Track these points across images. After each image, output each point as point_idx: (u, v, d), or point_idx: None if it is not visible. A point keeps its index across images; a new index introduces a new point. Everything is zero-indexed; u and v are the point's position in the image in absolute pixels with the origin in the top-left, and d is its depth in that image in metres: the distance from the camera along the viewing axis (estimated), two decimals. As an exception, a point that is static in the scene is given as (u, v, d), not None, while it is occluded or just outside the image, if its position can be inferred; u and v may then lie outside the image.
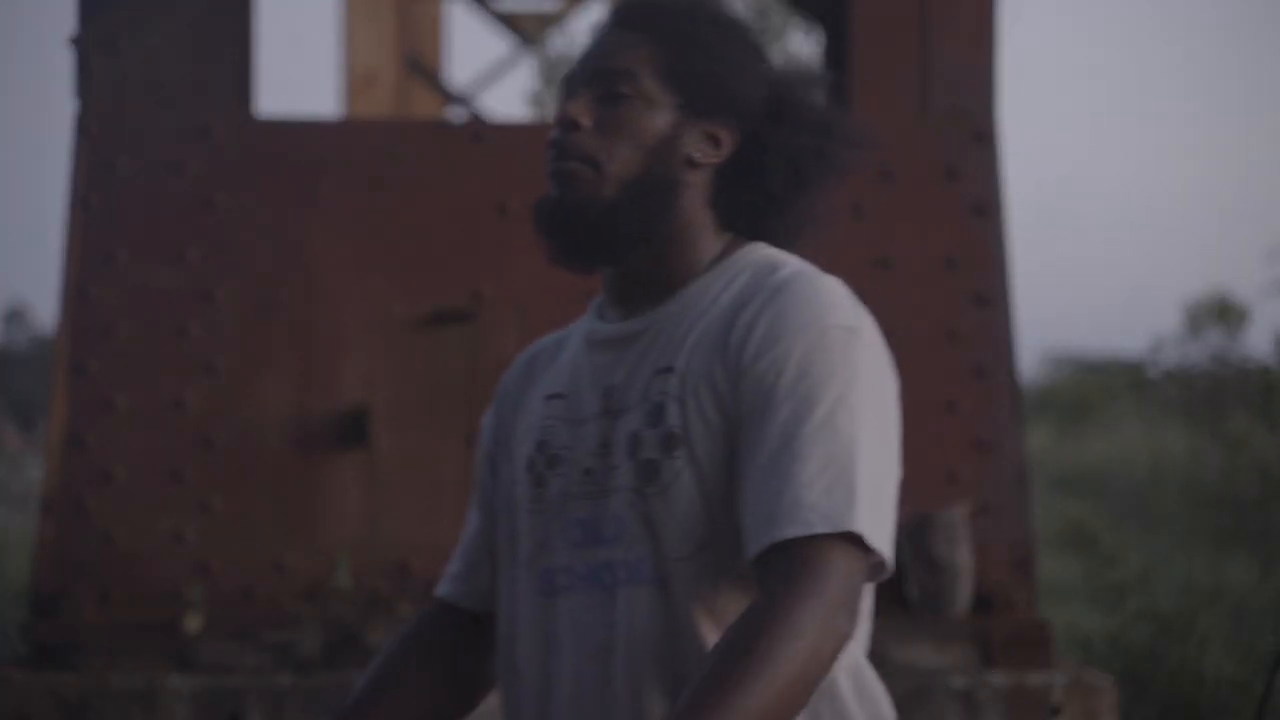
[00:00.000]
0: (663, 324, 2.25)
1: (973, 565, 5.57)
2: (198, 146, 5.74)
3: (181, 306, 5.69)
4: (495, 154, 5.77)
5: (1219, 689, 7.29)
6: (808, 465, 2.08)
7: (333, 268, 5.74)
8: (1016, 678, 5.43)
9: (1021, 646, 5.53)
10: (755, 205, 2.29)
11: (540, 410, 2.33)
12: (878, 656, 5.46)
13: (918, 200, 5.76)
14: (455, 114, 12.27)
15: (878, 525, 2.09)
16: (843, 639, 2.06)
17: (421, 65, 12.06)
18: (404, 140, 5.87)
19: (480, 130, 6.00)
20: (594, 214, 2.25)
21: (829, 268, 2.25)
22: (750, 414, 2.13)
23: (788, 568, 2.06)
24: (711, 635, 2.12)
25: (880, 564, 2.12)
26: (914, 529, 5.53)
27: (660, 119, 2.26)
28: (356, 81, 11.09)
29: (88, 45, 5.74)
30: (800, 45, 15.09)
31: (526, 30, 12.93)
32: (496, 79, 13.42)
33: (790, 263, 2.25)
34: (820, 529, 2.06)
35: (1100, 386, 20.83)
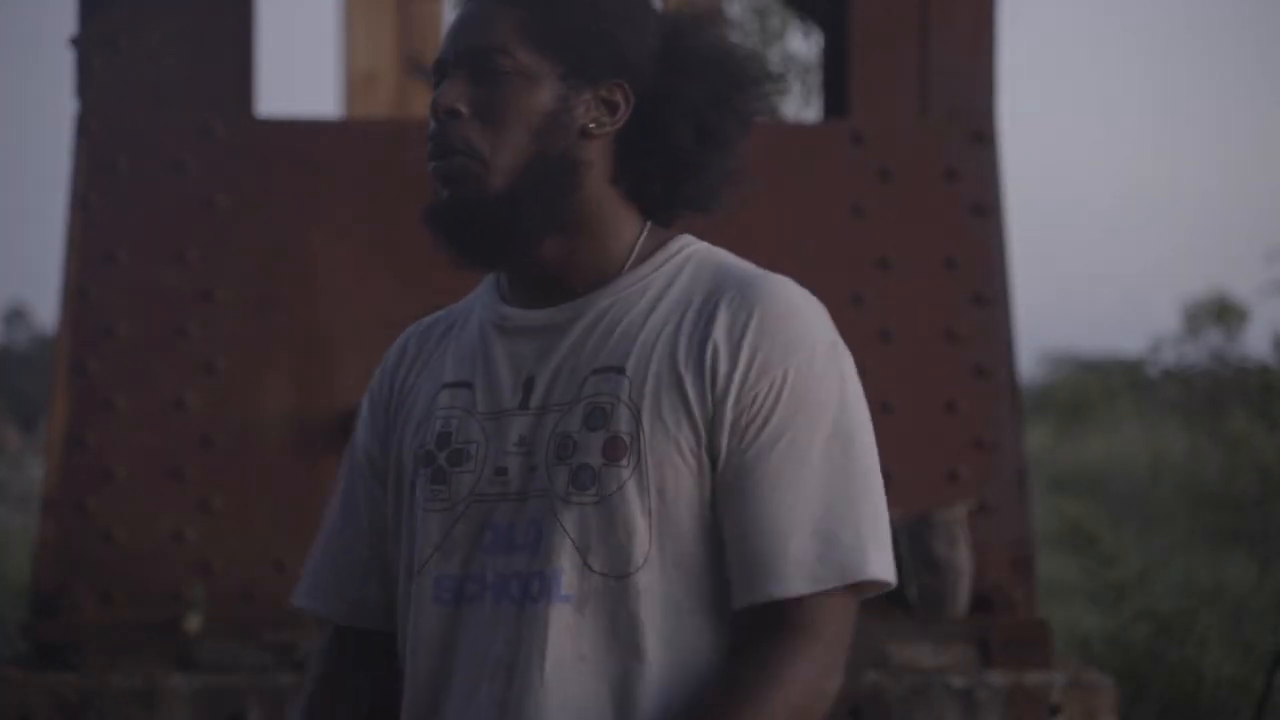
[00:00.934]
0: (594, 317, 2.03)
1: (972, 565, 5.58)
2: (198, 146, 5.74)
3: (181, 306, 5.69)
4: (495, 154, 5.77)
5: (1218, 689, 7.29)
6: (811, 505, 1.95)
7: (333, 268, 5.74)
8: (1016, 678, 5.43)
9: (1021, 646, 5.53)
10: (665, 168, 2.05)
11: (437, 399, 2.08)
12: (878, 656, 5.47)
13: (917, 200, 5.76)
14: (455, 114, 12.26)
15: (883, 556, 1.96)
16: (830, 700, 1.94)
17: (421, 65, 12.05)
18: (404, 140, 5.87)
19: (480, 130, 6.00)
20: (488, 211, 2.03)
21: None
22: (743, 441, 1.96)
23: (782, 625, 1.93)
24: (632, 666, 1.94)
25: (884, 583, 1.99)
26: (914, 529, 5.54)
27: (544, 92, 2.02)
28: (356, 81, 11.09)
29: (88, 45, 5.74)
30: (800, 45, 15.10)
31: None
32: (496, 79, 13.39)
33: (740, 263, 2.06)
34: (825, 585, 1.93)
35: (1100, 386, 20.83)
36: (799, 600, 1.93)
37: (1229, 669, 7.40)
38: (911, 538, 5.54)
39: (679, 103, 2.04)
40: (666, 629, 1.95)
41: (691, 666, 1.96)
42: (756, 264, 2.11)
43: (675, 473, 1.96)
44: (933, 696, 5.42)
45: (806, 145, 5.88)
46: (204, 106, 5.75)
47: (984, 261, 5.77)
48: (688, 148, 2.05)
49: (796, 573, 1.93)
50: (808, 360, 1.99)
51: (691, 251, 2.07)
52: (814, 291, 2.10)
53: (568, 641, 1.94)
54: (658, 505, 1.95)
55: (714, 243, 2.13)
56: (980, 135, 5.82)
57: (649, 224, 2.08)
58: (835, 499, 1.95)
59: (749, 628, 1.94)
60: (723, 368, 1.97)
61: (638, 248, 2.06)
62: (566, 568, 1.95)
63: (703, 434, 1.97)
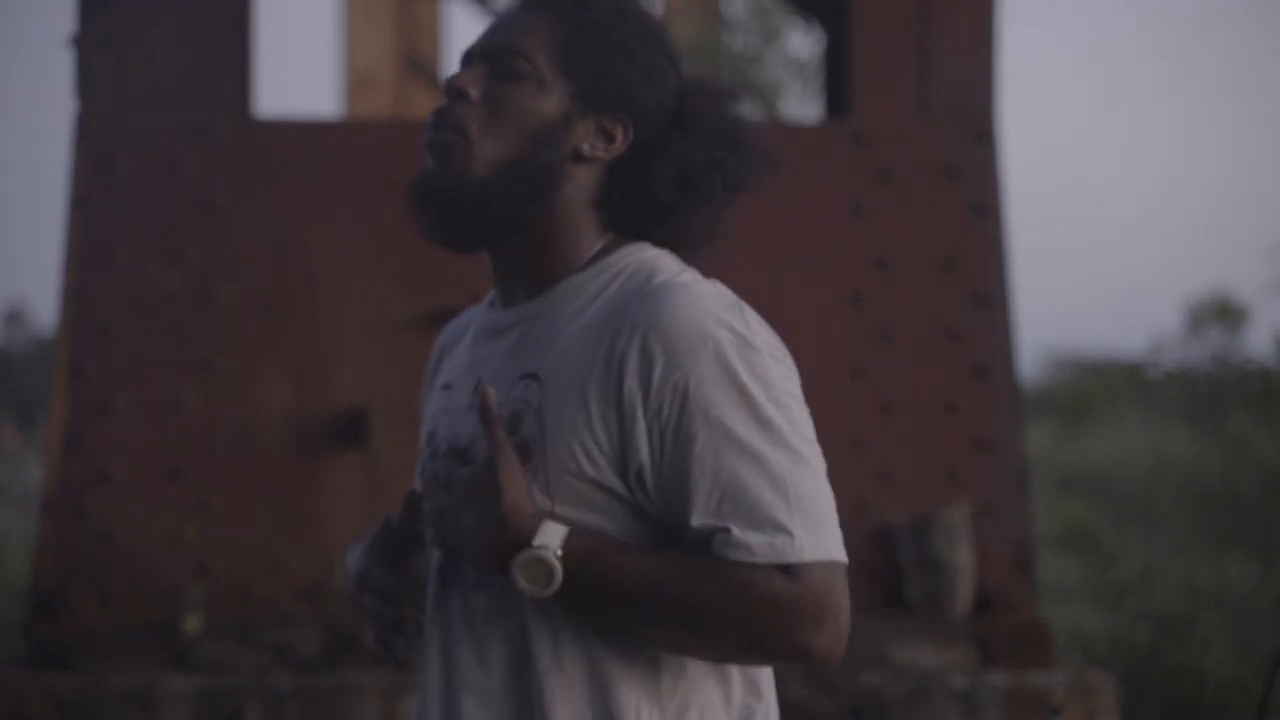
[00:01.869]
0: (531, 321, 2.17)
1: (973, 565, 5.57)
2: (198, 146, 5.73)
3: (181, 306, 5.68)
4: (495, 154, 5.77)
5: (1219, 689, 7.29)
6: (742, 497, 2.02)
7: (332, 268, 5.74)
8: (1017, 678, 5.43)
9: (1022, 646, 5.53)
10: (642, 209, 2.17)
11: (436, 400, 2.31)
12: (878, 656, 5.46)
13: (918, 200, 5.76)
14: (455, 114, 12.26)
15: (813, 534, 2.02)
16: (754, 653, 2.05)
17: (421, 65, 12.06)
18: (404, 140, 5.86)
19: (480, 130, 5.99)
20: (462, 192, 2.16)
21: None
22: (662, 446, 2.05)
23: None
24: (542, 645, 2.07)
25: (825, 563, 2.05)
26: (915, 529, 5.53)
27: (550, 104, 2.16)
28: (356, 81, 11.09)
29: (88, 45, 5.73)
30: (800, 45, 15.09)
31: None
32: (496, 79, 13.39)
33: (666, 269, 2.14)
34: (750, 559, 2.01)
35: (1101, 386, 20.81)
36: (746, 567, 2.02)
37: (1230, 669, 7.40)
38: (913, 538, 5.53)
39: (671, 156, 2.16)
40: (559, 631, 2.07)
41: (583, 672, 2.08)
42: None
43: (577, 480, 2.06)
44: (934, 697, 5.41)
45: (806, 145, 5.87)
46: (204, 106, 5.74)
47: (984, 261, 5.77)
48: (666, 197, 2.16)
49: (731, 552, 2.02)
50: (712, 358, 2.04)
51: (631, 260, 2.16)
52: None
53: (496, 627, 2.11)
54: (560, 510, 2.06)
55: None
56: (980, 135, 5.81)
57: (607, 239, 2.18)
58: (757, 489, 2.02)
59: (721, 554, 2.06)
60: (628, 381, 2.05)
61: (590, 256, 2.17)
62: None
63: (613, 443, 2.06)
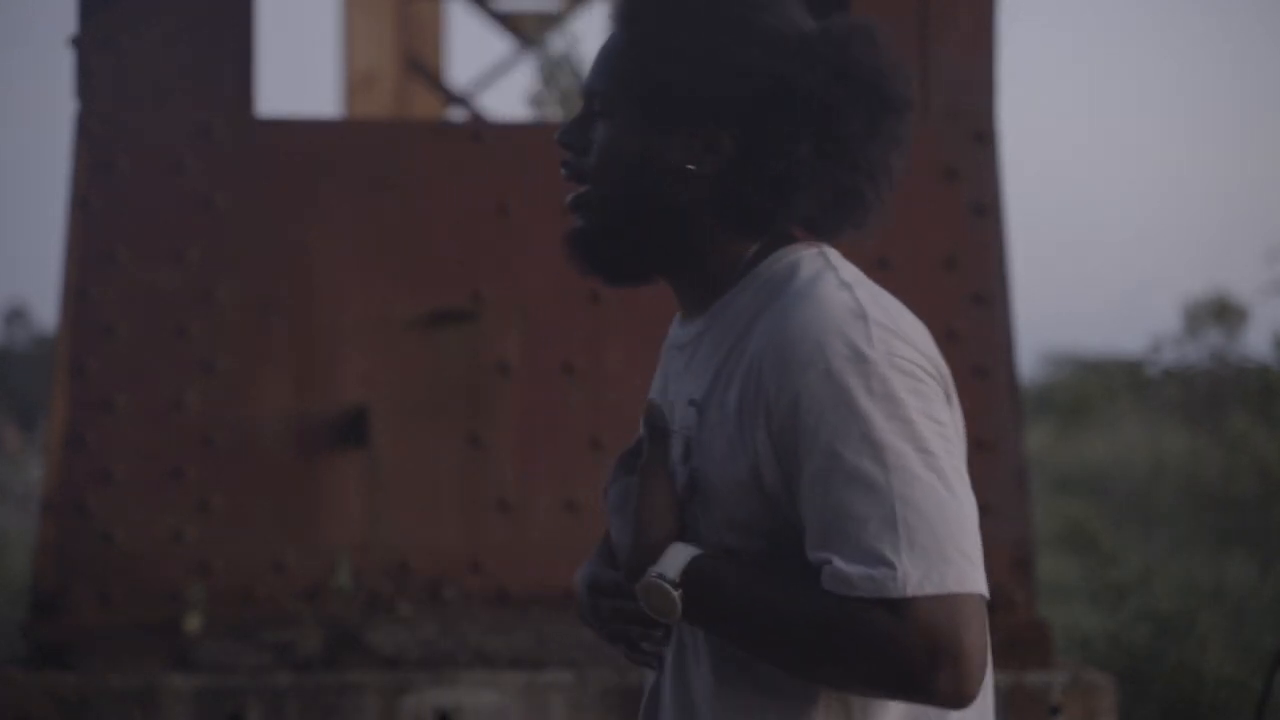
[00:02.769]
0: (699, 341, 2.13)
1: (972, 565, 5.57)
2: (198, 146, 5.74)
3: (181, 306, 5.69)
4: (495, 154, 5.77)
5: (1219, 688, 7.29)
6: (847, 526, 1.93)
7: (333, 268, 5.74)
8: (1016, 678, 5.43)
9: (1021, 646, 5.53)
10: (777, 193, 2.07)
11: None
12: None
13: (917, 200, 5.76)
14: (455, 114, 12.27)
15: (925, 565, 1.94)
16: (867, 688, 1.98)
17: (421, 65, 12.05)
18: (404, 140, 5.87)
19: (480, 130, 6.00)
20: (603, 241, 2.12)
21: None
22: (785, 466, 1.99)
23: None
24: (703, 667, 2.06)
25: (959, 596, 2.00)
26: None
27: (631, 134, 2.09)
28: (356, 82, 11.09)
29: (88, 45, 5.73)
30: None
31: (526, 30, 12.91)
32: (496, 79, 13.41)
33: (803, 275, 2.07)
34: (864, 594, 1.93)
35: (1100, 386, 20.82)
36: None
37: (1229, 669, 7.40)
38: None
39: (776, 144, 2.05)
40: (726, 654, 2.04)
41: (746, 686, 2.05)
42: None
43: (734, 503, 2.02)
44: (933, 697, 5.42)
45: (806, 145, 5.87)
46: (204, 106, 5.75)
47: (984, 261, 5.77)
48: (795, 176, 2.06)
49: (835, 585, 1.95)
50: (822, 377, 1.96)
51: (778, 268, 2.10)
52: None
53: (676, 647, 2.10)
54: (725, 535, 2.02)
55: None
56: (980, 135, 5.82)
57: (757, 245, 2.12)
58: (862, 517, 1.94)
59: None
60: (757, 400, 2.00)
61: (742, 267, 2.12)
62: None
63: (751, 461, 2.01)
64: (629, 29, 2.10)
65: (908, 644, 1.94)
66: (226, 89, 5.76)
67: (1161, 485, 14.50)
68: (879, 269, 5.63)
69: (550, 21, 13.12)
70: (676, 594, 2.00)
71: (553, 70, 14.25)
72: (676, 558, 2.01)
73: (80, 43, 5.74)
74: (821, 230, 2.14)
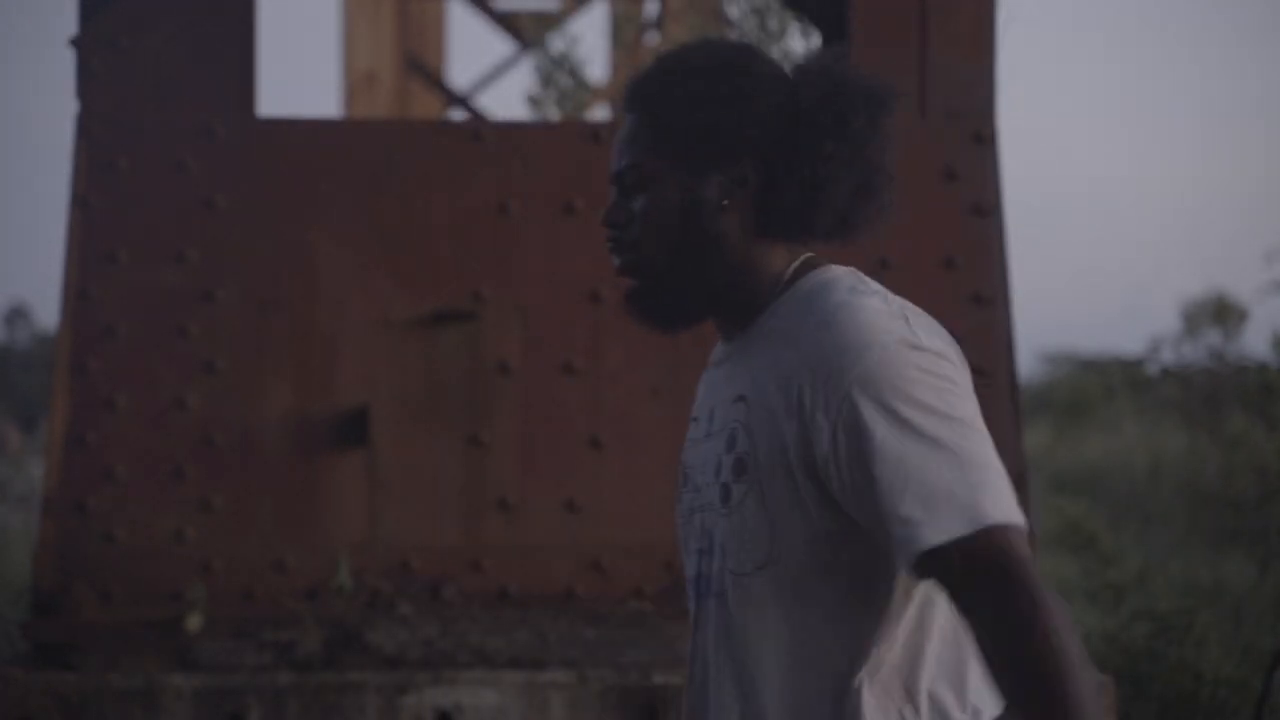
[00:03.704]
0: (742, 351, 2.40)
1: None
2: (198, 146, 5.74)
3: (182, 306, 5.69)
4: (495, 154, 5.78)
5: (1218, 688, 7.30)
6: (914, 484, 2.22)
7: (333, 268, 5.74)
8: (1015, 677, 5.43)
9: (1020, 646, 5.53)
10: (808, 195, 2.38)
11: (689, 430, 2.55)
12: (877, 656, 5.47)
13: (917, 201, 5.77)
14: (455, 114, 12.27)
15: (992, 504, 2.22)
16: (1056, 621, 2.18)
17: (422, 65, 12.05)
18: (404, 140, 5.87)
19: (480, 130, 6.00)
20: (662, 293, 2.41)
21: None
22: (842, 460, 2.23)
23: (953, 577, 2.19)
24: (756, 646, 2.30)
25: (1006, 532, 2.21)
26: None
27: (673, 192, 2.38)
28: (357, 82, 11.10)
29: (88, 45, 5.74)
30: (799, 46, 15.08)
31: (526, 31, 12.92)
32: (496, 79, 13.42)
33: (839, 287, 2.37)
34: (953, 534, 2.19)
35: (1099, 386, 20.83)
36: (966, 541, 2.19)
37: (1228, 669, 7.41)
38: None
39: (800, 163, 2.37)
40: (780, 617, 2.29)
41: (807, 660, 2.29)
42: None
43: (782, 487, 2.28)
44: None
45: (806, 145, 5.87)
46: (204, 106, 5.75)
47: (984, 261, 5.78)
48: (823, 188, 2.38)
49: (917, 535, 2.20)
50: (864, 373, 2.24)
51: (813, 284, 2.39)
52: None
53: (719, 631, 2.35)
54: (775, 515, 2.29)
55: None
56: (980, 135, 5.83)
57: (797, 260, 2.43)
58: (939, 471, 2.23)
59: (955, 600, 2.22)
60: (805, 400, 2.26)
61: (780, 285, 2.41)
62: (719, 568, 2.35)
63: (800, 454, 2.26)
64: (645, 108, 2.41)
65: (961, 581, 2.21)
66: (227, 89, 5.77)
67: (1160, 485, 14.51)
68: (879, 269, 5.63)
69: (550, 21, 13.13)
70: None
71: (552, 70, 14.26)
72: None
73: (80, 43, 5.75)
74: (849, 225, 2.44)
